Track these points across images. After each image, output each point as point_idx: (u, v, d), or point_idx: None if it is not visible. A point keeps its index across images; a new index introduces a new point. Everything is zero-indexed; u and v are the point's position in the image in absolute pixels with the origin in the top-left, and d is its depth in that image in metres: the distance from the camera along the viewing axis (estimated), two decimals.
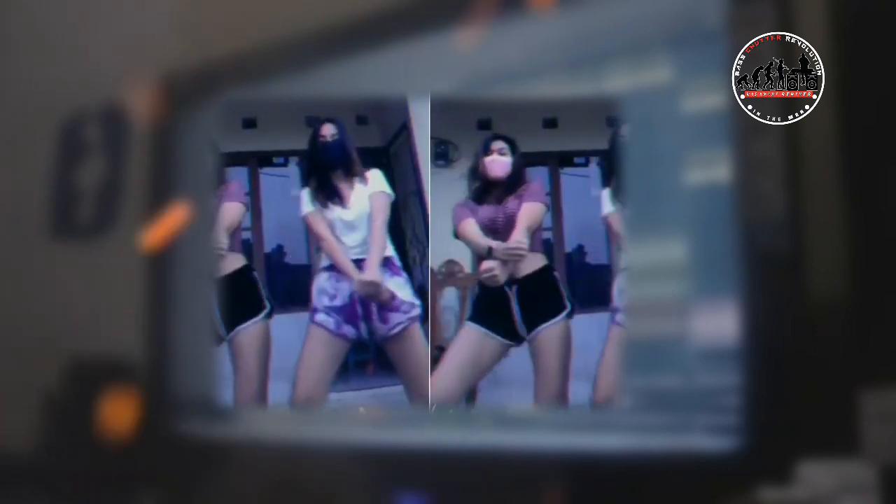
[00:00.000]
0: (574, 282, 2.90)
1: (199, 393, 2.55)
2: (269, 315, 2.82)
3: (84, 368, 2.53)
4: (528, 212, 2.78)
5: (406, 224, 3.06)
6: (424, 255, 2.92)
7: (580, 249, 3.05)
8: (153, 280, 2.55)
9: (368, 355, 3.04)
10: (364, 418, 2.71)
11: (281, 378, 2.79)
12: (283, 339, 2.83)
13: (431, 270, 2.88)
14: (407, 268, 2.92)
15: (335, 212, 2.81)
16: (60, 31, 2.61)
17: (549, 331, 2.76)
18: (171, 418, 2.50)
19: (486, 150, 2.83)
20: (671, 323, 2.27)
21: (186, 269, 2.56)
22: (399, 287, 2.80)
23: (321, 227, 2.81)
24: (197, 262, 2.60)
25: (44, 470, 2.51)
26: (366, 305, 2.78)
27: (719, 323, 2.20)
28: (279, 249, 3.10)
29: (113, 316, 2.53)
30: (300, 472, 2.37)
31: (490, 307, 2.79)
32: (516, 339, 2.78)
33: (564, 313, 2.77)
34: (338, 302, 2.79)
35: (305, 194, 2.83)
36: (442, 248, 2.92)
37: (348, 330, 2.79)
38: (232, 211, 2.79)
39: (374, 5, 2.43)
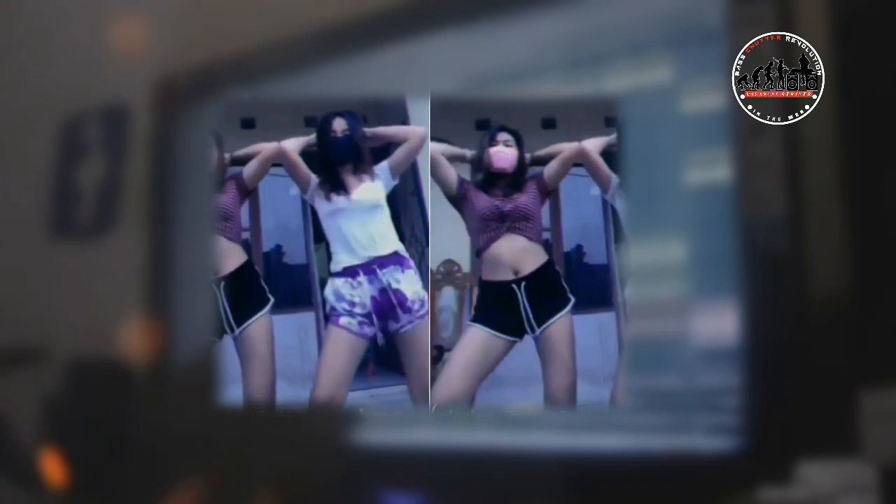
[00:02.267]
0: (573, 282, 2.89)
1: (200, 393, 2.55)
2: (273, 307, 2.80)
3: (84, 369, 2.53)
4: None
5: (405, 224, 3.06)
6: (423, 255, 2.91)
7: (579, 249, 3.05)
8: (153, 280, 2.55)
9: (368, 356, 3.04)
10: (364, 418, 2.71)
11: (282, 378, 2.79)
12: (281, 339, 2.82)
13: (431, 271, 2.87)
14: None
15: (338, 202, 2.81)
16: (60, 31, 2.61)
17: (556, 325, 2.75)
18: (171, 419, 2.50)
19: (492, 141, 2.82)
20: (671, 323, 2.27)
21: (187, 268, 2.56)
22: (411, 282, 2.79)
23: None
24: (198, 262, 2.60)
25: (44, 470, 2.51)
26: (384, 308, 2.76)
27: (719, 323, 2.21)
28: (278, 249, 3.10)
29: (113, 316, 2.53)
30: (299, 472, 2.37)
31: (495, 306, 2.77)
32: (522, 335, 2.76)
33: (570, 306, 2.76)
34: (358, 310, 2.78)
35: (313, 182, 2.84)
36: (440, 249, 2.91)
37: (368, 330, 2.77)
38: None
39: (374, 5, 2.43)
